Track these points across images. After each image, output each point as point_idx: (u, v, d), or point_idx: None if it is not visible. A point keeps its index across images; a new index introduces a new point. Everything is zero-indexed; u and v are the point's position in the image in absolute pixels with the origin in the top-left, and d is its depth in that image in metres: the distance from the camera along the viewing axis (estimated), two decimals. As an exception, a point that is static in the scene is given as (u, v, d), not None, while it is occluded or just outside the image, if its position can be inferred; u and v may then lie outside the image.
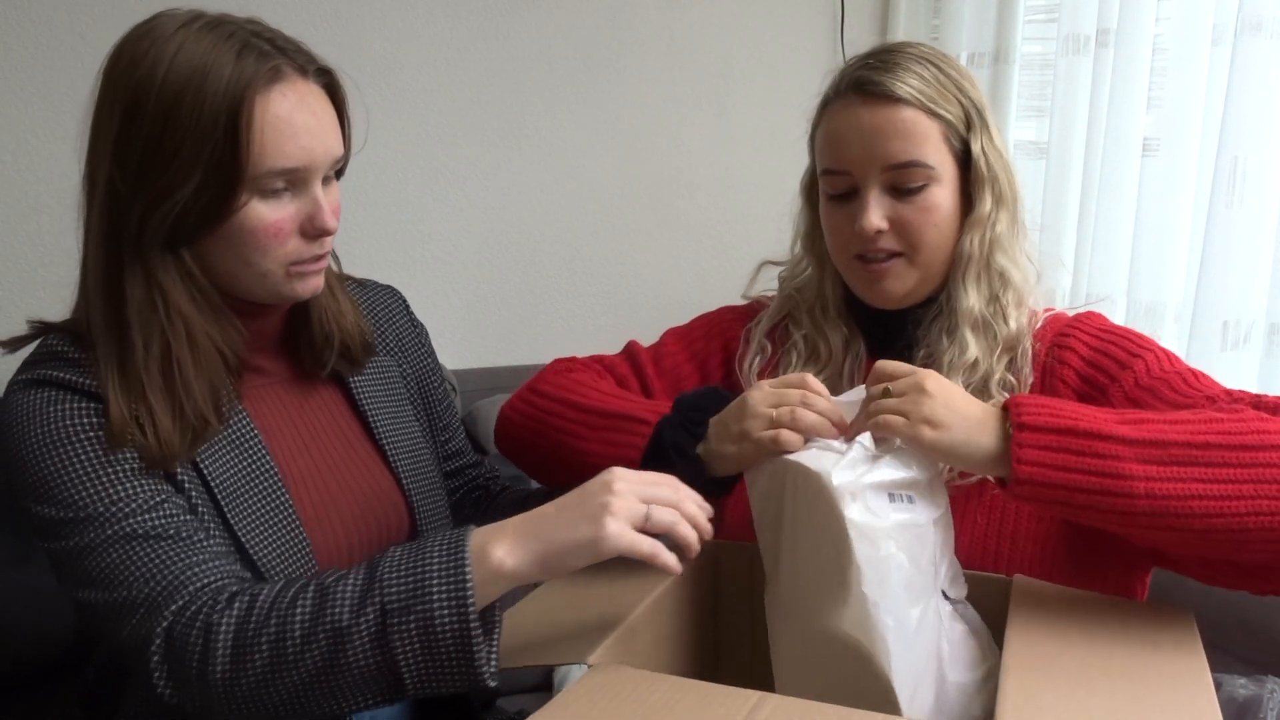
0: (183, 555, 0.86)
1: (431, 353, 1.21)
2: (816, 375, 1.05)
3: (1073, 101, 1.89)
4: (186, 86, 0.86)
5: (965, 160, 1.00)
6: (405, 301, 1.21)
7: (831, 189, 1.02)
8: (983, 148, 1.00)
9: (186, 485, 0.92)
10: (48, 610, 1.45)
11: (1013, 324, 1.00)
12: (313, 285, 0.97)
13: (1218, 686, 1.30)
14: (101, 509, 0.86)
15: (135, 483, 0.88)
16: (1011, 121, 1.99)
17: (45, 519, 0.88)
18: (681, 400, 0.98)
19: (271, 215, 0.91)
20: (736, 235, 2.21)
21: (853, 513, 0.78)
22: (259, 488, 0.96)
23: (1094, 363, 0.99)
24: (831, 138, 1.02)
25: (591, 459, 0.98)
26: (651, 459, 0.94)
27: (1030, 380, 1.00)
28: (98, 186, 0.90)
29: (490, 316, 2.15)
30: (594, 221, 2.17)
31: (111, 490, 0.87)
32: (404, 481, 1.08)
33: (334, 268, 1.07)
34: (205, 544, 0.88)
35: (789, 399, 0.87)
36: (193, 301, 0.91)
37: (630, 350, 1.17)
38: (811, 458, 0.82)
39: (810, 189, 1.10)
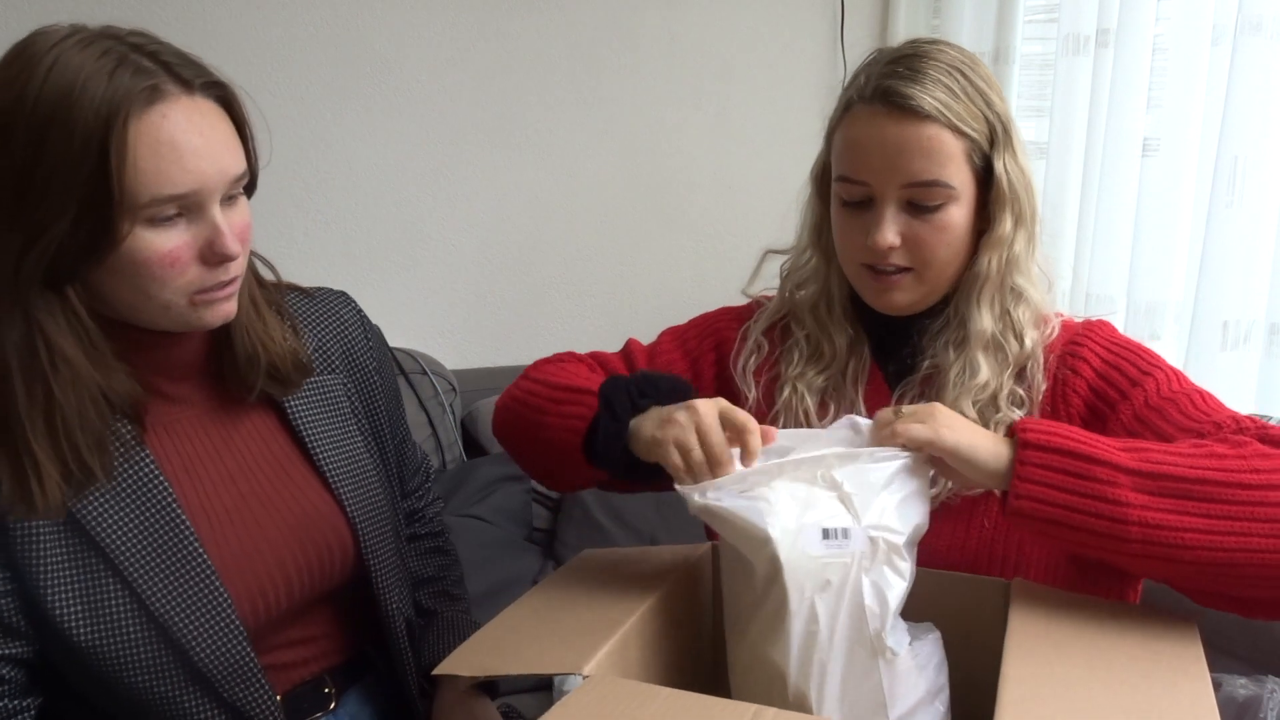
0: None
1: (386, 360, 1.15)
2: (818, 375, 1.04)
3: (1073, 101, 1.89)
4: (55, 111, 0.79)
5: (985, 176, 0.98)
6: (357, 307, 1.14)
7: (847, 195, 0.99)
8: (1005, 166, 0.97)
9: (68, 555, 0.87)
10: None
11: (1028, 342, 0.99)
12: (223, 312, 0.90)
13: (1218, 686, 1.30)
14: None
15: None
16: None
17: None
18: (643, 372, 0.98)
19: (164, 244, 0.84)
20: (736, 235, 2.21)
21: (784, 554, 0.77)
22: (163, 539, 0.90)
23: (1106, 376, 0.98)
24: (852, 145, 0.98)
25: (546, 432, 0.98)
26: (594, 425, 0.93)
27: (1043, 388, 0.99)
28: None
29: (490, 316, 2.15)
30: (594, 222, 2.17)
31: None
32: (346, 504, 1.02)
33: (269, 280, 1.02)
34: None
35: (712, 436, 0.83)
36: (79, 345, 0.85)
37: (627, 348, 1.17)
38: (747, 506, 0.80)
39: (821, 179, 1.07)
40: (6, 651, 0.87)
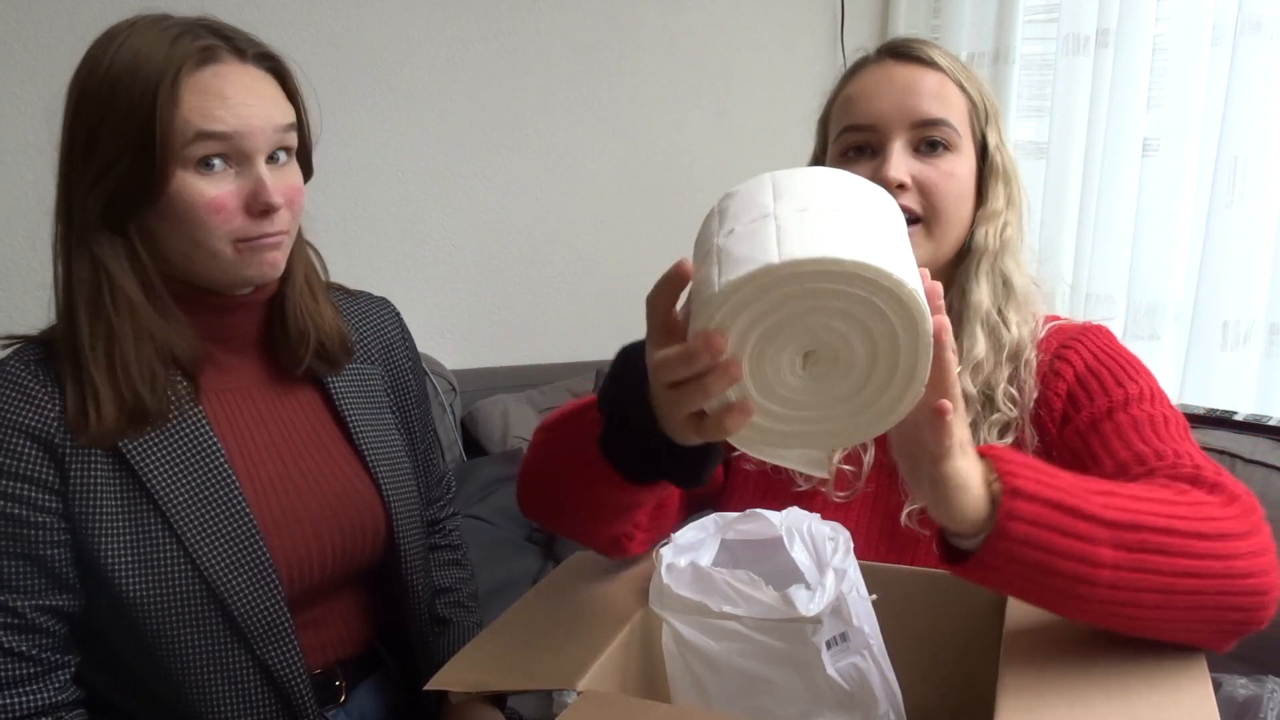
0: None
1: (420, 369, 1.20)
2: None
3: (1073, 101, 1.89)
4: (122, 73, 0.89)
5: (981, 153, 1.01)
6: (397, 312, 1.20)
7: (850, 145, 0.99)
8: (999, 144, 1.00)
9: (123, 508, 0.92)
10: None
11: (1014, 330, 0.98)
12: (268, 262, 0.95)
13: (1218, 686, 1.30)
14: None
15: (15, 564, 0.90)
16: (1011, 121, 1.99)
17: None
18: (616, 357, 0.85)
19: (210, 190, 0.90)
20: (736, 235, 2.21)
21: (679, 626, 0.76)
22: (212, 495, 0.95)
23: (1083, 381, 0.96)
24: (857, 95, 1.00)
25: (561, 462, 0.86)
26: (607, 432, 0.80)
27: (1034, 395, 0.97)
28: (59, 180, 0.93)
29: (490, 316, 2.15)
30: (594, 221, 2.17)
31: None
32: (382, 485, 1.07)
33: (319, 273, 1.07)
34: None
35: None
36: (141, 289, 0.92)
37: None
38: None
39: None
40: (53, 603, 0.92)
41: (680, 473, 0.77)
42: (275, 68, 0.96)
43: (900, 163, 0.95)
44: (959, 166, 0.98)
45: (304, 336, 1.03)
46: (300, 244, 1.03)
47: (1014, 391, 0.97)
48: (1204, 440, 1.50)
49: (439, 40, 2.02)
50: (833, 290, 0.61)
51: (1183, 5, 1.76)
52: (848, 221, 0.62)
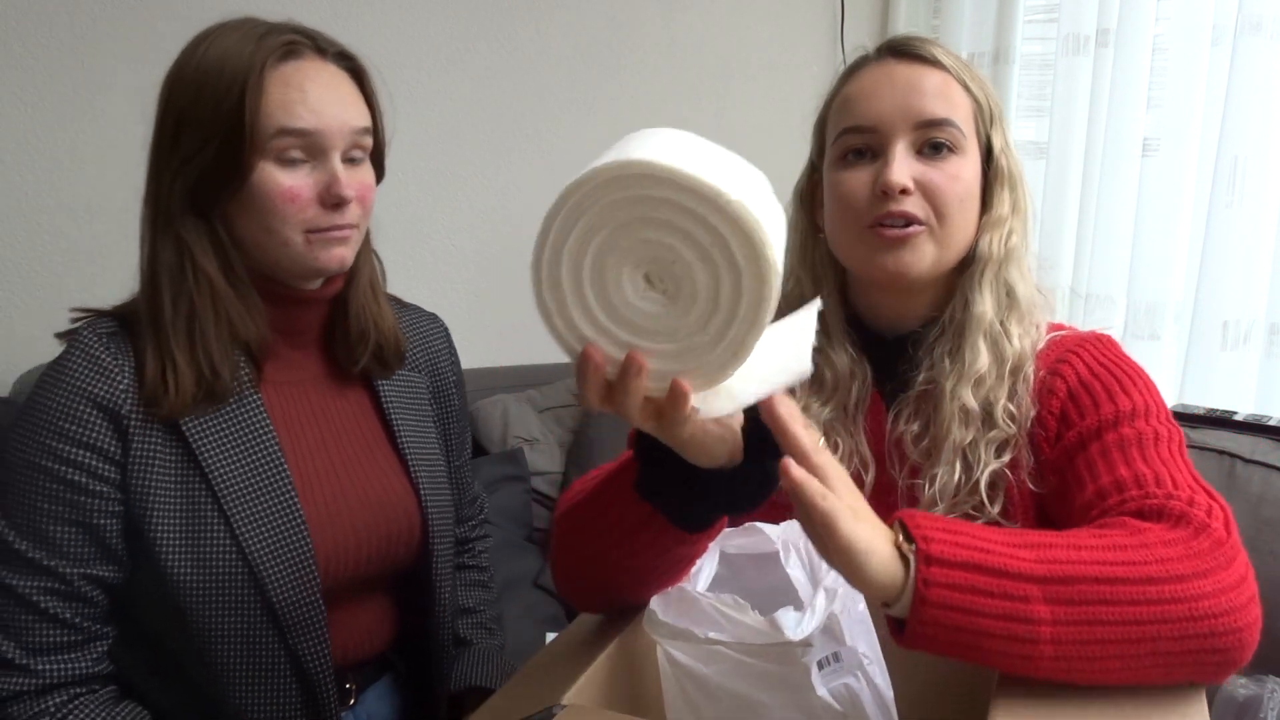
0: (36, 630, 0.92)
1: (463, 389, 1.23)
2: (822, 406, 0.98)
3: (1073, 101, 1.89)
4: (211, 67, 0.94)
5: (986, 155, 0.97)
6: (447, 331, 1.23)
7: (850, 148, 0.95)
8: (1004, 148, 0.97)
9: (177, 485, 0.94)
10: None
11: (1015, 343, 0.94)
12: (336, 256, 0.98)
13: (1218, 686, 1.30)
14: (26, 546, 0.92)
15: (69, 531, 0.93)
16: (1011, 121, 1.99)
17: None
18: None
19: (287, 180, 0.94)
20: (736, 235, 2.21)
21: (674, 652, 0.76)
22: (263, 482, 0.97)
23: (1076, 396, 0.92)
24: (857, 95, 0.96)
25: (593, 544, 0.84)
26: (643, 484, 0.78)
27: (1031, 414, 0.93)
28: (148, 167, 0.98)
29: (490, 316, 2.14)
30: (594, 221, 2.17)
31: (51, 530, 0.92)
32: (421, 491, 1.09)
33: (379, 277, 1.10)
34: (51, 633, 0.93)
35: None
36: (221, 271, 0.96)
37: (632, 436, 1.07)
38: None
39: (805, 194, 1.04)
40: (100, 573, 0.94)
41: (735, 498, 0.75)
42: (354, 68, 1.01)
43: (903, 166, 0.92)
44: (964, 169, 0.94)
45: (364, 336, 1.06)
46: (367, 247, 1.07)
47: (1013, 408, 0.93)
48: (1204, 440, 1.51)
49: (439, 40, 2.02)
50: (653, 199, 0.62)
51: (1183, 5, 1.76)
52: (674, 142, 0.64)
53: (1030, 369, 0.95)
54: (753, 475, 0.74)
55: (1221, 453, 1.49)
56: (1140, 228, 1.81)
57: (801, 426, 0.68)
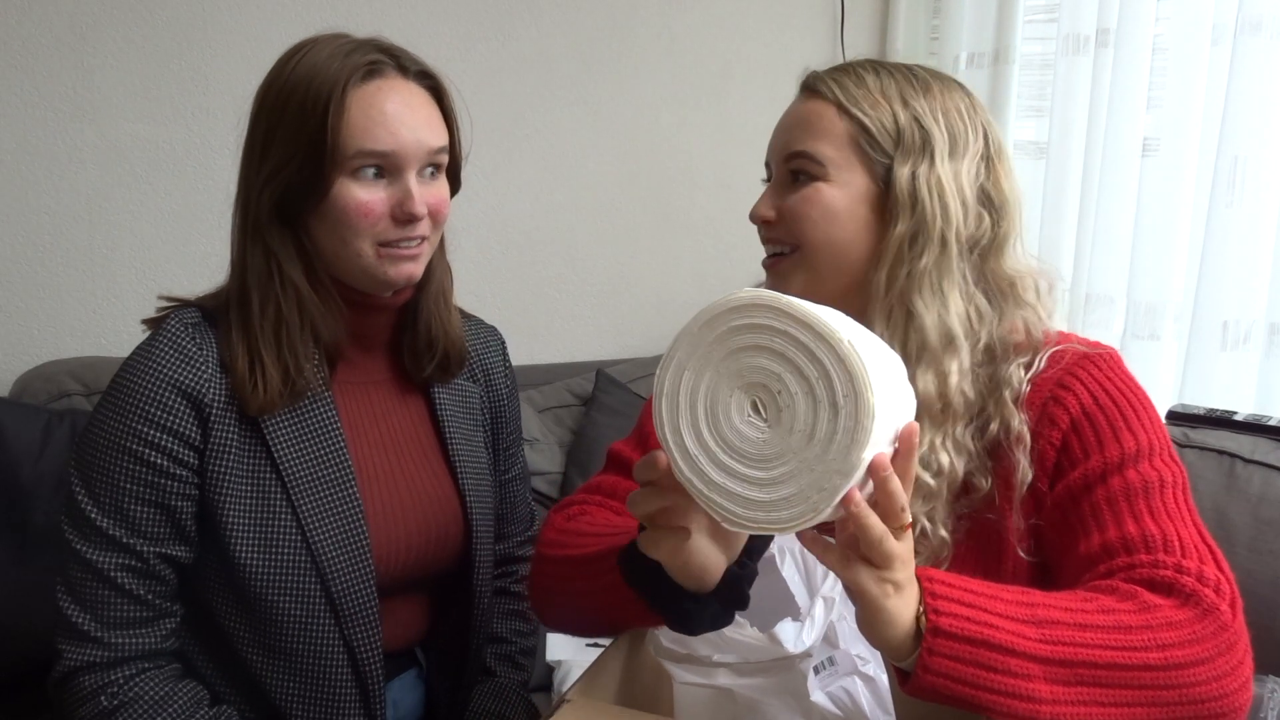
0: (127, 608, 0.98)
1: (516, 402, 1.25)
2: None
3: (1072, 101, 1.89)
4: (299, 82, 0.98)
5: (887, 177, 0.93)
6: (504, 345, 1.26)
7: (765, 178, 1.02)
8: (913, 174, 0.91)
9: (250, 474, 1.00)
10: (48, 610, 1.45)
11: (931, 388, 0.89)
12: (406, 271, 1.02)
13: (1217, 686, 1.30)
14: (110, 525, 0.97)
15: (148, 511, 0.98)
16: (1011, 121, 1.99)
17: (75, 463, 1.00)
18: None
19: (363, 195, 0.98)
20: (736, 235, 2.21)
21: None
22: (330, 478, 1.03)
23: (1079, 428, 0.90)
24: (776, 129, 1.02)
25: (583, 599, 0.90)
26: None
27: (1027, 441, 0.90)
28: (240, 176, 1.03)
29: (490, 316, 2.12)
30: (594, 221, 2.17)
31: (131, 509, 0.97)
32: (468, 498, 1.13)
33: (449, 286, 1.13)
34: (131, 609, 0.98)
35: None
36: (306, 276, 1.01)
37: (613, 455, 1.09)
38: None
39: None
40: (172, 552, 1.00)
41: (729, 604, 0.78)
42: (434, 85, 1.05)
43: (766, 199, 0.97)
44: (824, 194, 0.93)
45: (432, 344, 1.11)
46: (440, 255, 1.11)
47: (989, 463, 0.92)
48: (1204, 440, 1.51)
49: (439, 40, 2.02)
50: (756, 325, 0.67)
51: (1183, 5, 1.76)
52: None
53: (1016, 420, 0.91)
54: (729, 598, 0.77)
55: (1221, 453, 1.49)
56: (1140, 228, 1.81)
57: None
